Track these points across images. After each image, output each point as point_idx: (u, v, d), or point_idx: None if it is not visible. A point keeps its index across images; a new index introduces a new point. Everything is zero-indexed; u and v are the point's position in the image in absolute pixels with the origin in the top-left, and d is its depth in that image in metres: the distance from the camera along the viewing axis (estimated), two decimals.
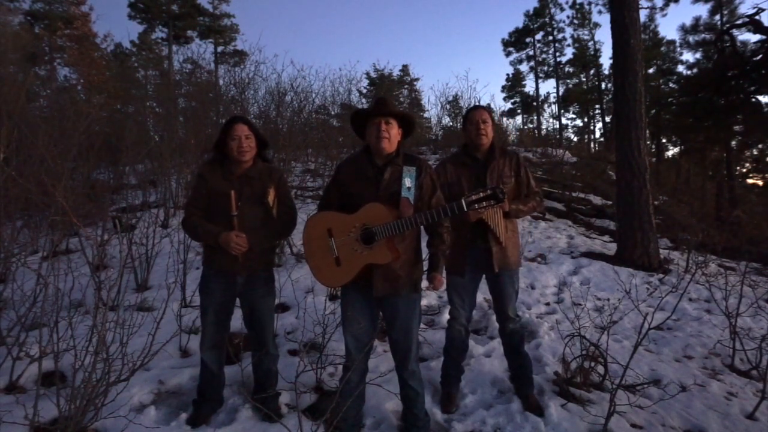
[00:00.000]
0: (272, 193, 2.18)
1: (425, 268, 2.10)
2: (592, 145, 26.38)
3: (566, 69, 27.84)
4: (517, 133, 17.35)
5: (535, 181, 2.48)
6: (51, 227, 4.47)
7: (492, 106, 15.00)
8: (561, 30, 26.67)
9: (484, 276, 2.46)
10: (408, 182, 1.92)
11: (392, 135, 1.95)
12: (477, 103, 10.45)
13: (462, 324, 2.45)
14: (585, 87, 27.30)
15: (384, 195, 1.92)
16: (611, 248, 5.98)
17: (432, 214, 1.83)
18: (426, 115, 16.57)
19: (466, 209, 1.80)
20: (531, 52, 28.24)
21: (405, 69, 28.62)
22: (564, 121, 30.32)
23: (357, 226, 1.91)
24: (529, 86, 32.13)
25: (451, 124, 11.98)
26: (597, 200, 9.21)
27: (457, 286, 2.41)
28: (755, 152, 17.11)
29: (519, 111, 31.14)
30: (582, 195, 9.44)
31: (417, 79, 28.25)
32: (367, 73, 23.00)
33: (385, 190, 1.93)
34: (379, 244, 1.87)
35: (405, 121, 2.04)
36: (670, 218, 8.43)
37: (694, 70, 16.62)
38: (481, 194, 1.79)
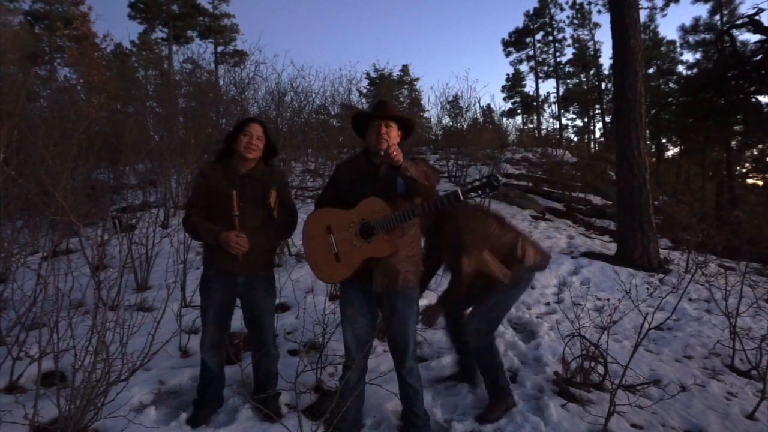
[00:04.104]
0: (274, 195, 2.18)
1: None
2: (592, 145, 26.43)
3: (566, 69, 27.90)
4: (517, 133, 17.36)
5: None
6: (51, 227, 4.47)
7: (492, 106, 14.97)
8: (561, 30, 26.76)
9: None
10: None
11: (392, 137, 1.97)
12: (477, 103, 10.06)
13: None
14: (585, 87, 27.32)
15: (381, 191, 1.94)
16: (611, 248, 5.98)
17: (429, 205, 1.83)
18: (426, 115, 16.57)
19: (462, 198, 1.80)
20: (531, 52, 28.30)
21: (405, 69, 28.65)
22: (564, 121, 30.42)
23: (356, 221, 1.92)
24: (529, 86, 32.22)
25: (451, 124, 11.98)
26: (597, 200, 9.22)
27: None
28: (755, 152, 17.10)
29: (519, 111, 31.17)
30: (582, 195, 9.45)
31: (417, 79, 28.26)
32: (367, 73, 23.05)
33: (382, 187, 1.95)
34: (377, 237, 1.88)
35: (405, 124, 2.06)
36: (670, 218, 8.43)
37: (694, 70, 16.64)
38: (477, 183, 1.80)
